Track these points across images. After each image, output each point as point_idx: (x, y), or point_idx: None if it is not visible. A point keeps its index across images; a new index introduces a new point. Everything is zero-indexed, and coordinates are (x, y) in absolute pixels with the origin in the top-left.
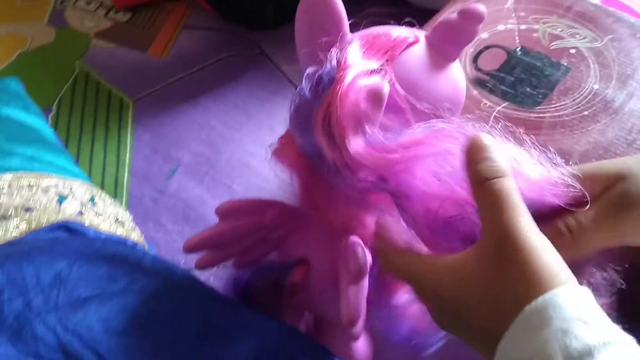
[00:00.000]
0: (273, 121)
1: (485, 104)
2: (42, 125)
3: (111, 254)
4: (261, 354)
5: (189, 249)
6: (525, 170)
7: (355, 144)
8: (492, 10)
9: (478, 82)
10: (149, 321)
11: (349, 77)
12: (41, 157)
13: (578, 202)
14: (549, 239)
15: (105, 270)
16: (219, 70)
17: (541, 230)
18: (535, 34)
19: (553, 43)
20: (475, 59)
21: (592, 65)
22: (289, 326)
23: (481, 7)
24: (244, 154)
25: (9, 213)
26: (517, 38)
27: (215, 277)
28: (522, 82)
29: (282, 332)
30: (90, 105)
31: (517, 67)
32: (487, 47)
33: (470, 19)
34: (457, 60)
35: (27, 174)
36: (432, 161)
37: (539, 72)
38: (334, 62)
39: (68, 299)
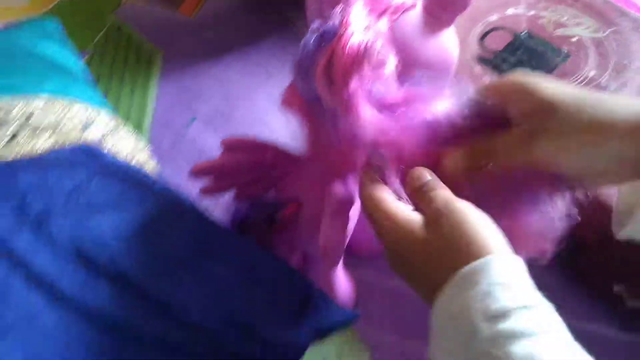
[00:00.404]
0: None
1: (485, 80)
2: (76, 62)
3: (126, 175)
4: (246, 274)
5: (196, 172)
6: None
7: (352, 87)
8: None
9: (482, 60)
10: (153, 234)
11: (350, 32)
12: (73, 87)
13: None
14: (479, 154)
15: (120, 187)
16: (244, 32)
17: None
18: (541, 20)
19: (557, 30)
20: (482, 38)
21: (591, 54)
22: (274, 255)
23: None
24: (259, 110)
25: (40, 129)
26: (524, 22)
27: (220, 209)
28: (523, 63)
29: (267, 258)
30: (121, 56)
31: (520, 49)
32: (494, 29)
33: None
34: (452, 28)
35: (59, 99)
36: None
37: (540, 55)
38: (338, 18)
39: (84, 207)
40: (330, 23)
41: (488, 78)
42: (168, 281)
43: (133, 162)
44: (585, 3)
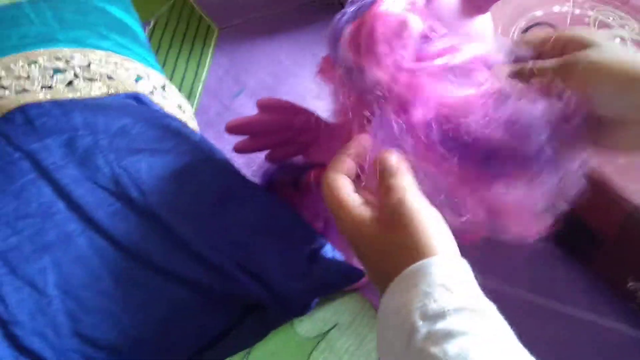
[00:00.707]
0: None
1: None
2: (136, 25)
3: (167, 124)
4: (262, 224)
5: (230, 127)
6: None
7: (379, 50)
8: None
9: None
10: (183, 178)
11: (384, 4)
12: (130, 47)
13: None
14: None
15: (160, 133)
16: (298, 14)
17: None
18: (586, 19)
19: (601, 30)
20: (524, 32)
21: None
22: (290, 209)
23: None
24: (302, 88)
25: (96, 77)
26: (568, 20)
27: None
28: None
29: (283, 211)
30: (182, 26)
31: None
32: (538, 24)
33: None
34: (488, 16)
35: (115, 55)
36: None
37: None
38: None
39: (126, 146)
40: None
41: None
42: (191, 221)
43: (177, 116)
44: (634, 6)
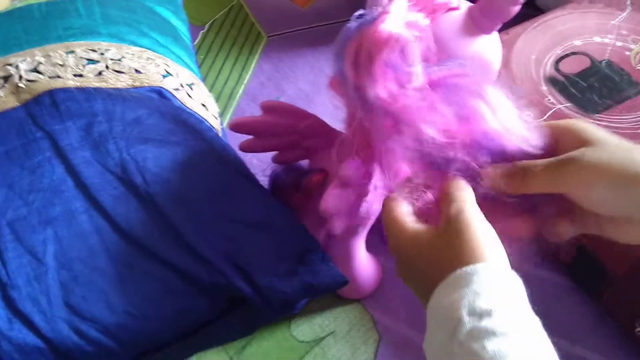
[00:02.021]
0: None
1: (549, 99)
2: (181, 27)
3: (183, 118)
4: (255, 220)
5: (233, 125)
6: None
7: (376, 68)
8: (596, 22)
9: (551, 80)
10: (187, 169)
11: (387, 21)
12: (168, 46)
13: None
14: (505, 174)
15: (173, 126)
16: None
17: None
18: (627, 52)
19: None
20: (559, 60)
21: None
22: (286, 208)
23: None
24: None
25: (124, 70)
26: (608, 52)
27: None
28: (592, 89)
29: (277, 210)
30: (234, 32)
31: (595, 76)
32: (574, 53)
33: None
34: (494, 37)
35: (150, 52)
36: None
37: (613, 85)
38: (380, 8)
39: (137, 135)
40: (374, 11)
41: (551, 99)
42: (186, 212)
43: (199, 113)
44: None
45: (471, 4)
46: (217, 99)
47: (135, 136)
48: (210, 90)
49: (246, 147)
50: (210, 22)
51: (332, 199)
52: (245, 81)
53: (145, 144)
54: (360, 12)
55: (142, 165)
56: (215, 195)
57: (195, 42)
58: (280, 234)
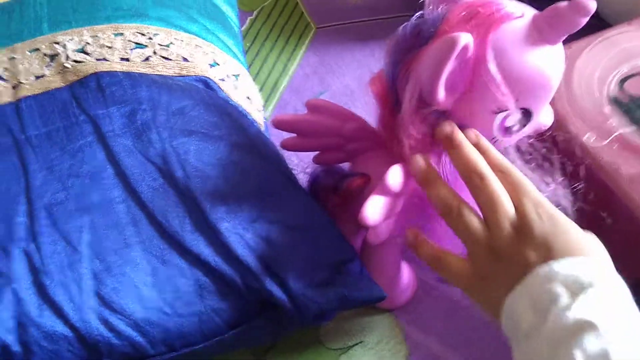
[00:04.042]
0: None
1: (612, 122)
2: (230, 13)
3: (228, 112)
4: (293, 225)
5: (275, 122)
6: None
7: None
8: None
9: (615, 101)
10: (228, 165)
11: (448, 29)
12: (217, 33)
13: None
14: None
15: (217, 119)
16: (394, 25)
17: None
18: None
19: None
20: (624, 79)
21: None
22: (325, 214)
23: (592, 4)
24: None
25: (172, 57)
26: None
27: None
28: None
29: (317, 215)
30: (282, 21)
31: None
32: None
33: (577, 10)
34: (558, 49)
35: (199, 39)
36: None
37: None
38: (438, 16)
39: (181, 126)
40: (432, 16)
41: (617, 121)
42: (225, 210)
43: (243, 106)
44: None
45: (536, 12)
46: (261, 90)
47: (178, 127)
48: (253, 80)
49: (288, 146)
50: (259, 9)
51: (372, 208)
52: (290, 72)
53: (189, 136)
54: (420, 14)
55: (184, 158)
56: (255, 193)
57: (243, 29)
58: (319, 241)
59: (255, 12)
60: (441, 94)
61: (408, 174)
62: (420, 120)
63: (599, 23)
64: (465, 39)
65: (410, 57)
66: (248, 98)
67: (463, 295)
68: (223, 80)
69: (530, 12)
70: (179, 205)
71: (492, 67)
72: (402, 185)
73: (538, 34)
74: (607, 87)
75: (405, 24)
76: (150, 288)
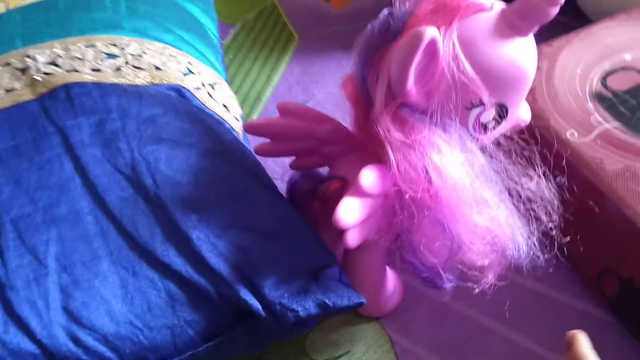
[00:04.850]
0: None
1: (596, 117)
2: (209, 25)
3: (199, 118)
4: (269, 230)
5: (248, 127)
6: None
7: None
8: None
9: (598, 97)
10: (201, 173)
11: (415, 24)
12: (193, 43)
13: None
14: None
15: (188, 126)
16: None
17: None
18: None
19: None
20: (607, 75)
21: None
22: (302, 219)
23: None
24: None
25: (144, 67)
26: None
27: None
28: None
29: (294, 219)
30: (266, 32)
31: None
32: (624, 68)
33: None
34: (529, 41)
35: (173, 48)
36: None
37: None
38: (405, 11)
39: (151, 134)
40: (399, 12)
41: (599, 117)
42: (197, 218)
43: (219, 114)
44: None
45: (505, 5)
46: (244, 101)
47: (149, 135)
48: (237, 92)
49: (262, 151)
50: (242, 22)
51: (346, 210)
52: (274, 83)
53: (159, 144)
54: (388, 10)
55: (154, 166)
56: (228, 201)
57: (226, 42)
58: (296, 247)
59: (238, 25)
60: (411, 89)
61: (385, 175)
62: (393, 118)
63: (578, 23)
64: (431, 33)
65: (379, 54)
66: (225, 106)
67: (452, 300)
68: (198, 88)
69: (499, 4)
70: (149, 214)
71: (463, 60)
72: (377, 186)
73: (508, 26)
74: (589, 83)
75: (373, 21)
76: (120, 301)
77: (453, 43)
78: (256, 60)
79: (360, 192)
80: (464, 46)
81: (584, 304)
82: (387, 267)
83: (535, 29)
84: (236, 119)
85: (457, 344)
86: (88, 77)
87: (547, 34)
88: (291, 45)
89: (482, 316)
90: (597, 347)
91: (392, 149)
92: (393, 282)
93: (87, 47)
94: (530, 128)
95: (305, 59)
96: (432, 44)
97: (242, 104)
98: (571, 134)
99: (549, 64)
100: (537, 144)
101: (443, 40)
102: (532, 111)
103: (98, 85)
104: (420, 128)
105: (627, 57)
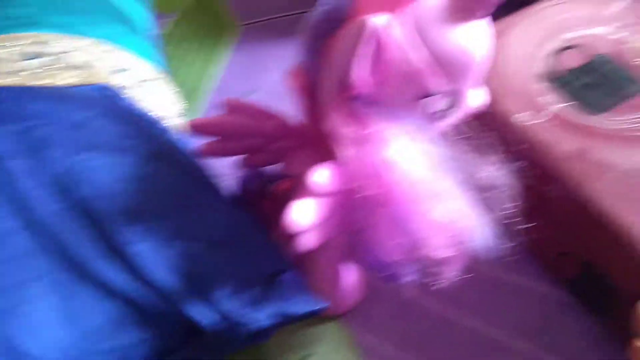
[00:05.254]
0: None
1: (544, 98)
2: (142, 15)
3: (134, 120)
4: (218, 237)
5: (192, 126)
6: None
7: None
8: (595, 12)
9: (547, 77)
10: (139, 180)
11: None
12: (126, 37)
13: None
14: None
15: (123, 129)
16: None
17: None
18: (627, 46)
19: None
20: (554, 54)
21: None
22: (262, 225)
23: None
24: None
25: (71, 66)
26: (606, 45)
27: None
28: (591, 87)
29: (245, 225)
30: (206, 21)
31: (593, 72)
32: (574, 46)
33: None
34: (482, 25)
35: (105, 44)
36: None
37: (613, 83)
38: None
39: (83, 141)
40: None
41: (552, 97)
42: (137, 230)
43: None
44: None
45: None
46: (186, 95)
47: (80, 142)
48: (179, 85)
49: (206, 151)
50: (180, 10)
51: (297, 213)
52: (217, 75)
53: (91, 151)
54: None
55: (88, 176)
56: (172, 209)
57: (165, 32)
58: (247, 254)
59: (177, 14)
60: (358, 81)
61: (338, 172)
62: (343, 111)
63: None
64: (375, 21)
65: (325, 43)
66: (162, 103)
67: (413, 293)
68: (131, 86)
69: None
70: (84, 228)
71: (411, 47)
72: (329, 185)
73: (459, 11)
74: (540, 62)
75: (316, 9)
76: (60, 326)
77: (400, 30)
78: (197, 51)
79: (311, 192)
80: (412, 33)
81: (544, 287)
82: (346, 263)
83: (487, 12)
84: (175, 116)
85: (420, 337)
86: (8, 80)
87: (505, 11)
88: (233, 34)
89: (444, 307)
90: (559, 328)
91: (343, 144)
92: (353, 278)
93: (4, 46)
94: (483, 112)
95: (249, 48)
96: (376, 32)
97: (184, 97)
98: (521, 116)
99: (500, 43)
100: (490, 129)
101: (389, 27)
102: None
103: (16, 90)
104: (371, 121)
105: (575, 34)
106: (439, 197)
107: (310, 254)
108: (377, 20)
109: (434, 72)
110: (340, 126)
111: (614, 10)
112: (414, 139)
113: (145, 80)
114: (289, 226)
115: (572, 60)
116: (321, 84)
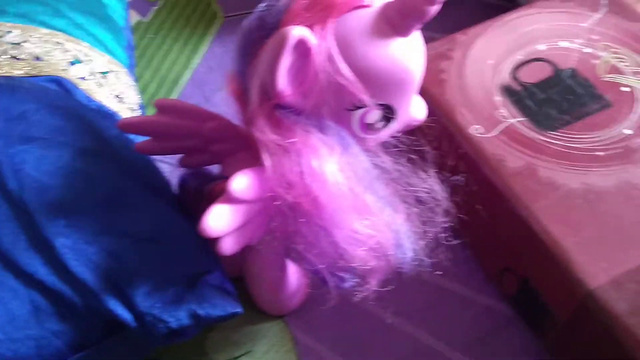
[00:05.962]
0: None
1: (501, 112)
2: (115, 5)
3: (77, 114)
4: (151, 232)
5: (120, 125)
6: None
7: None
8: (565, 24)
9: (507, 90)
10: (72, 175)
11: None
12: (88, 28)
13: None
14: None
15: (62, 123)
16: None
17: None
18: (595, 61)
19: (609, 75)
20: (519, 66)
21: (636, 109)
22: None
23: None
24: None
25: (22, 56)
26: (574, 59)
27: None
28: (551, 102)
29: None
30: (189, 11)
31: (556, 87)
32: (537, 59)
33: None
34: (417, 40)
35: (63, 34)
36: None
37: (575, 98)
38: (282, 5)
39: (20, 133)
40: (276, 7)
41: (506, 111)
42: (64, 224)
43: (110, 107)
44: None
45: (386, 1)
46: (161, 84)
47: (17, 134)
48: (155, 74)
49: (143, 149)
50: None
51: (214, 219)
52: (194, 65)
53: (27, 144)
54: (265, 4)
55: (20, 167)
56: (102, 204)
57: (146, 19)
58: (174, 253)
59: (161, 2)
60: (283, 90)
61: (261, 179)
62: (268, 119)
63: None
64: (297, 32)
65: (256, 50)
66: (117, 97)
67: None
68: (84, 78)
69: (378, 1)
70: (13, 220)
71: (338, 61)
72: (250, 192)
73: (388, 25)
74: (500, 75)
75: (250, 16)
76: None
77: (327, 42)
78: (177, 41)
79: (231, 199)
80: (340, 46)
81: (488, 299)
82: (289, 265)
83: (417, 28)
84: (132, 109)
85: (359, 341)
86: None
87: (479, 18)
88: (214, 26)
89: (387, 313)
90: (500, 342)
91: (268, 152)
92: (296, 279)
93: None
94: (435, 123)
95: (229, 40)
96: (301, 44)
97: (159, 86)
98: (475, 129)
99: (462, 53)
100: (444, 140)
101: (317, 40)
102: (440, 104)
103: None
104: (297, 130)
105: (542, 47)
106: (362, 210)
107: (249, 254)
108: (299, 32)
109: (358, 86)
110: (266, 133)
111: (588, 23)
112: (343, 150)
113: (99, 73)
114: (203, 230)
115: (536, 74)
116: (250, 90)
